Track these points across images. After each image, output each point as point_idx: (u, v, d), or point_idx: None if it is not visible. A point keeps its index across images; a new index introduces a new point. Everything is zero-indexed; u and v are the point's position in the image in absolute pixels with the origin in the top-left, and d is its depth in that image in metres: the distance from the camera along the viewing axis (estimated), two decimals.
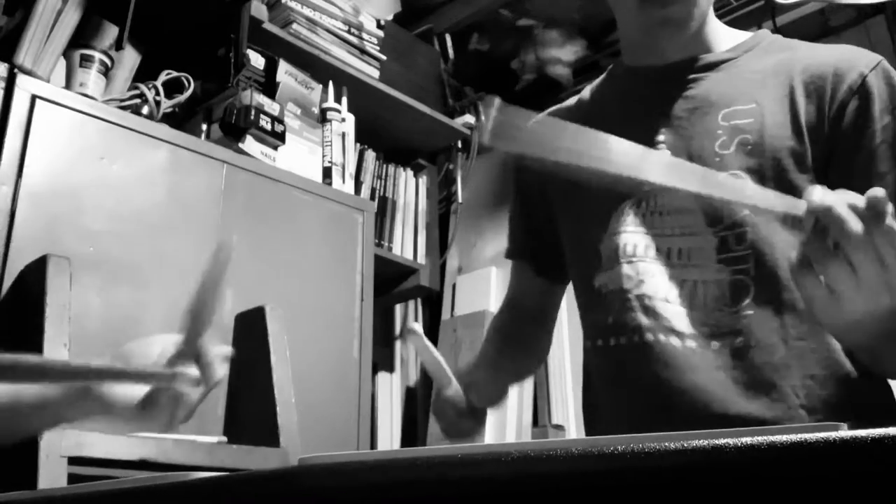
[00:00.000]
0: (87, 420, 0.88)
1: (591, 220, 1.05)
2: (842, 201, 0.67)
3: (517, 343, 1.18)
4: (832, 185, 0.94)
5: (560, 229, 1.13)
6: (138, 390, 0.84)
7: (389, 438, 2.39)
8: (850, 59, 0.97)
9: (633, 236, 1.00)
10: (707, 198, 0.86)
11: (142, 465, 1.23)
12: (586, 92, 1.20)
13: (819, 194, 0.67)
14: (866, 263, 0.66)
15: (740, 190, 0.77)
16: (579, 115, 1.15)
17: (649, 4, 1.00)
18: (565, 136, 0.82)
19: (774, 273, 0.92)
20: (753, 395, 0.91)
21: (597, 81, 1.20)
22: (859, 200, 0.67)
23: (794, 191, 0.94)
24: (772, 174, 0.94)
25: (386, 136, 2.47)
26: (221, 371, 0.85)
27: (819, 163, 0.95)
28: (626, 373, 0.98)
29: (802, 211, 0.68)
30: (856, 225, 0.66)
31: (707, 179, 0.78)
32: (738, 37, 1.08)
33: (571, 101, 1.22)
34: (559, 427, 2.22)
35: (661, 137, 1.02)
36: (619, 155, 0.79)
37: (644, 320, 0.96)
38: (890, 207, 0.65)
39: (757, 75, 1.01)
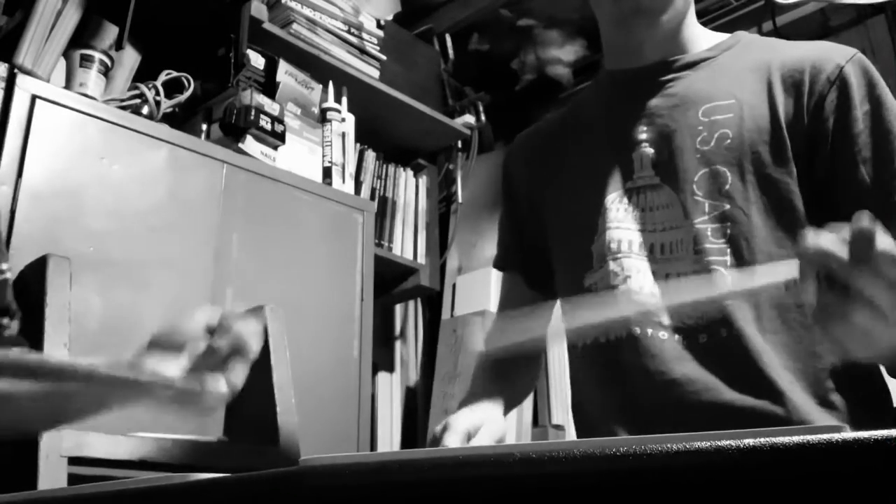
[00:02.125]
0: (128, 406, 0.87)
1: (581, 220, 1.06)
2: (832, 240, 0.66)
3: (507, 373, 1.16)
4: (817, 177, 0.96)
5: (549, 234, 1.13)
6: (179, 369, 0.83)
7: (389, 438, 2.39)
8: (826, 53, 0.99)
9: (618, 233, 1.01)
10: (711, 302, 0.89)
11: (142, 465, 1.23)
12: (573, 100, 1.22)
13: (809, 242, 0.67)
14: (877, 291, 0.65)
15: (737, 283, 0.79)
16: (563, 125, 1.18)
17: None
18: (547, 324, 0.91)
19: (751, 266, 0.94)
20: (743, 383, 0.92)
21: (585, 89, 1.21)
22: (845, 234, 0.66)
23: (774, 184, 0.95)
24: (751, 168, 0.96)
25: (386, 136, 2.47)
26: (257, 345, 0.87)
27: (799, 156, 0.96)
28: (616, 367, 0.99)
29: (795, 272, 0.68)
30: (850, 257, 0.65)
31: (705, 288, 0.81)
32: (716, 38, 1.10)
33: (562, 109, 1.24)
34: (559, 427, 2.22)
35: (643, 136, 1.04)
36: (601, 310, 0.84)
37: (631, 315, 0.97)
38: (879, 229, 0.65)
39: (736, 72, 1.03)
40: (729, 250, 0.94)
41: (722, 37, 1.10)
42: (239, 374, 0.85)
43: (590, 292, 1.03)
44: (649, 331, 0.96)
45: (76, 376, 0.83)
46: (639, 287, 0.98)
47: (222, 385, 0.84)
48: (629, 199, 1.02)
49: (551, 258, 1.13)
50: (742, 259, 0.94)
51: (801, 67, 0.98)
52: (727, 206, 0.95)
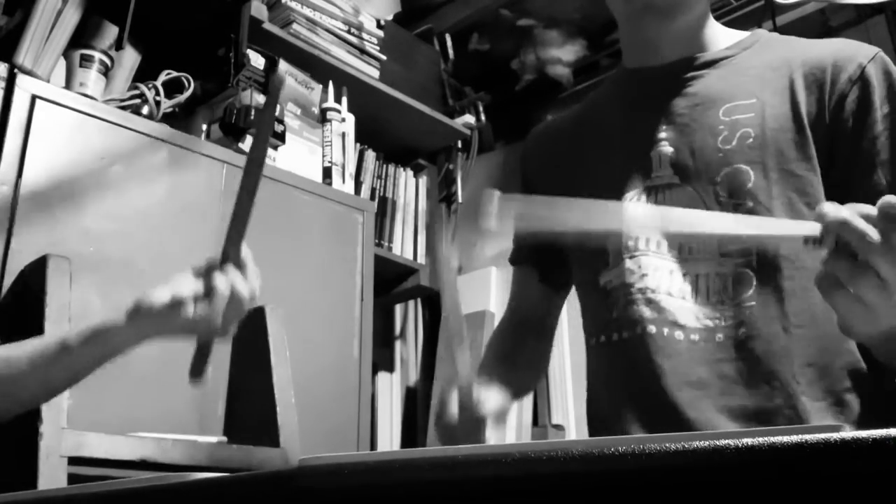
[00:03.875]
0: (140, 342, 0.92)
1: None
2: (855, 213, 0.66)
3: (515, 361, 1.16)
4: (835, 177, 0.95)
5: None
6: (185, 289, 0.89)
7: (389, 438, 2.39)
8: (848, 51, 0.99)
9: (635, 231, 1.00)
10: (724, 237, 0.87)
11: (142, 465, 1.23)
12: (590, 97, 1.21)
13: (831, 209, 0.66)
14: (891, 270, 0.65)
15: (755, 224, 0.77)
16: (580, 121, 1.17)
17: None
18: (554, 208, 0.84)
19: (776, 263, 0.93)
20: (755, 385, 0.91)
21: (602, 85, 1.21)
22: (872, 210, 0.66)
23: (798, 181, 0.95)
24: (774, 165, 0.95)
25: (386, 136, 2.47)
26: (256, 281, 0.93)
27: (821, 153, 0.96)
28: (629, 366, 0.98)
29: (818, 230, 0.68)
30: (874, 234, 0.65)
31: (723, 220, 0.79)
32: (735, 36, 1.09)
33: (575, 107, 1.23)
34: (559, 427, 2.22)
35: (662, 135, 1.03)
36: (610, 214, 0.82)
37: (647, 313, 0.96)
38: None
39: (756, 71, 1.02)
40: (754, 249, 0.94)
41: (741, 35, 1.09)
42: (248, 289, 0.91)
43: (604, 290, 1.02)
44: (665, 330, 0.95)
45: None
46: (656, 285, 0.97)
47: (232, 297, 0.89)
48: (647, 198, 1.01)
49: (567, 254, 1.13)
50: (766, 255, 0.93)
51: (822, 66, 0.98)
52: (750, 205, 0.95)
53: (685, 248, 0.97)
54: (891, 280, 0.66)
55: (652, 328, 0.96)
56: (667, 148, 1.02)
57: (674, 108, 1.03)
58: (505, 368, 1.12)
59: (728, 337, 0.93)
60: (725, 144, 0.98)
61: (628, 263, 0.99)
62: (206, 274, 0.90)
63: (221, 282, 0.89)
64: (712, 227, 0.81)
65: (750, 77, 1.01)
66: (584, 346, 1.10)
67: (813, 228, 0.68)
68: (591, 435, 1.09)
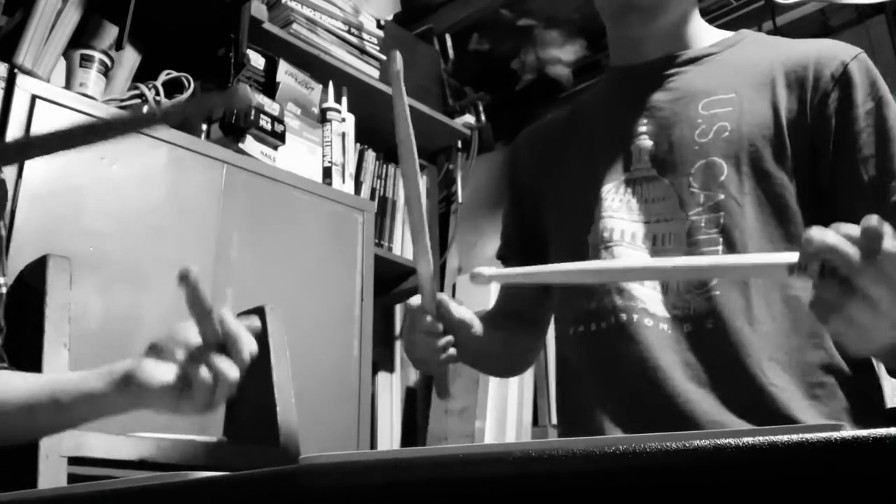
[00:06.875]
0: (128, 411, 0.87)
1: (578, 211, 1.07)
2: (840, 236, 0.67)
3: (507, 340, 1.18)
4: (819, 174, 0.96)
5: (547, 225, 1.14)
6: (173, 373, 0.84)
7: (389, 438, 2.39)
8: (830, 51, 1.00)
9: (611, 222, 1.02)
10: (713, 273, 0.90)
11: (142, 465, 1.23)
12: (580, 97, 1.23)
13: (816, 235, 0.67)
14: (880, 291, 0.66)
15: (740, 260, 0.80)
16: (568, 120, 1.19)
17: None
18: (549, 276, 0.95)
19: (743, 250, 0.94)
20: (724, 376, 0.92)
21: (591, 86, 1.22)
22: (855, 230, 0.67)
23: (769, 178, 0.95)
24: (748, 160, 0.97)
25: (386, 136, 2.45)
26: (253, 345, 0.86)
27: (800, 153, 0.97)
28: (602, 354, 1.00)
29: (797, 258, 0.69)
30: (857, 257, 0.66)
31: (709, 262, 0.83)
32: (720, 35, 1.11)
33: (566, 107, 1.25)
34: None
35: (642, 129, 1.05)
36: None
37: (619, 302, 0.98)
38: (888, 229, 0.66)
39: (738, 67, 1.03)
40: (721, 240, 0.95)
41: (726, 34, 1.10)
42: (233, 373, 0.85)
43: (585, 282, 1.03)
44: (635, 317, 0.97)
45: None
46: None
47: (217, 383, 0.84)
48: (625, 190, 1.03)
49: (549, 250, 1.13)
50: (733, 249, 0.94)
51: (804, 64, 0.99)
52: (721, 197, 0.96)
53: (658, 240, 0.99)
54: (879, 299, 0.66)
55: (623, 316, 0.97)
56: (646, 141, 1.03)
57: (655, 103, 1.05)
58: (499, 336, 1.14)
59: (696, 328, 0.94)
60: (702, 137, 0.99)
61: (603, 254, 1.01)
62: (196, 358, 0.84)
63: (213, 369, 0.84)
64: (696, 263, 0.85)
65: (731, 73, 1.03)
66: (556, 337, 1.11)
67: (792, 257, 0.69)
68: (560, 423, 1.10)
